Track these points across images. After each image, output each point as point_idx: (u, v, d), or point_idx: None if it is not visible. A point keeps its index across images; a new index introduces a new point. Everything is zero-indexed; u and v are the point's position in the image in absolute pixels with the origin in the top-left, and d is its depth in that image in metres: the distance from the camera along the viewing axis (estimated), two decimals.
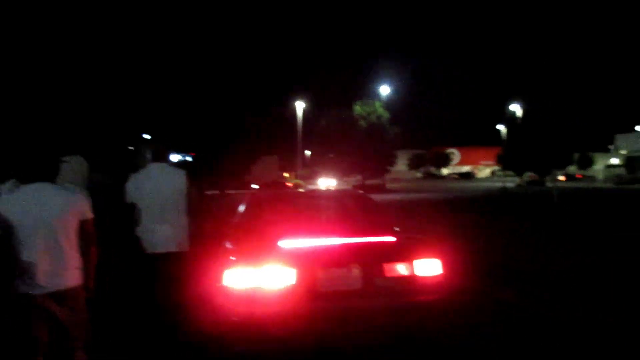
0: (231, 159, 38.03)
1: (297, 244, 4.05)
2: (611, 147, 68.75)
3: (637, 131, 62.10)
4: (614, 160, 67.82)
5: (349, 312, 3.77)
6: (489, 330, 4.84)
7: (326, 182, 46.86)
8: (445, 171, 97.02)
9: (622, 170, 57.48)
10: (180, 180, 4.47)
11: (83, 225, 3.15)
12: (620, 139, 59.90)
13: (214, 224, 5.80)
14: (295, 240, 4.07)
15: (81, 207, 3.16)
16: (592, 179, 65.42)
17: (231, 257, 3.97)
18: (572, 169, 66.38)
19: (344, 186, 41.79)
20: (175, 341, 4.11)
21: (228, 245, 4.37)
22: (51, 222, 3.00)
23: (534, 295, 6.17)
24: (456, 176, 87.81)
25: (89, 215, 3.20)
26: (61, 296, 3.02)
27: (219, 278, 3.83)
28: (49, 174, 3.16)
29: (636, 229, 12.71)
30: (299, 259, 3.85)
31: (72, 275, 3.08)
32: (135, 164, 4.92)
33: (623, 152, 59.95)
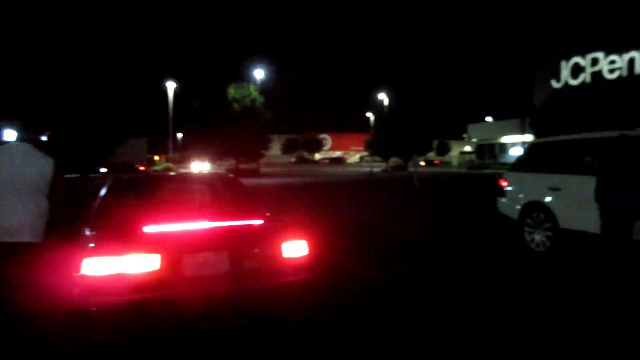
0: (94, 139, 35.43)
1: (162, 229, 3.94)
2: (465, 135, 75.82)
3: (486, 121, 69.11)
4: (467, 148, 74.89)
5: (216, 296, 3.78)
6: (352, 308, 5.12)
7: (200, 166, 45.73)
8: (317, 156, 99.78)
9: (473, 157, 63.73)
10: (46, 166, 4.11)
11: None
12: (472, 128, 66.09)
13: (74, 209, 5.41)
14: (160, 226, 3.95)
15: None
16: (448, 164, 71.62)
17: (91, 244, 3.75)
18: (431, 155, 72.18)
19: (218, 170, 41.11)
20: (22, 334, 3.79)
21: (88, 232, 4.12)
22: None
23: (399, 273, 6.65)
24: (328, 161, 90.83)
25: None
26: None
27: (77, 267, 3.61)
28: None
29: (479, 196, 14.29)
30: (163, 244, 3.76)
31: None
32: None
33: (474, 140, 66.34)
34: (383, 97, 66.33)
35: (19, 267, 3.85)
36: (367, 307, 5.12)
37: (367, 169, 46.74)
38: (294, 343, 4.13)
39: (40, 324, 3.84)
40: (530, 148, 9.13)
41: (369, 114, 74.84)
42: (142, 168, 35.68)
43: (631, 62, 29.45)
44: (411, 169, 38.61)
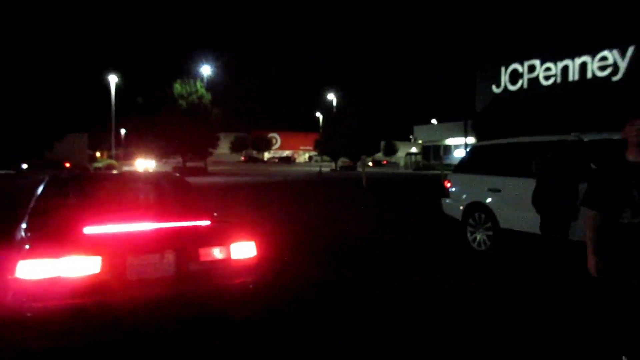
0: (30, 134, 33.72)
1: (103, 229, 3.79)
2: (411, 137, 77.46)
3: (431, 123, 70.93)
4: (413, 149, 76.54)
5: (161, 299, 3.68)
6: (302, 308, 5.12)
7: (144, 164, 44.45)
8: (266, 155, 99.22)
9: (419, 158, 65.20)
10: None
11: None
12: (418, 130, 67.59)
13: (7, 208, 5.12)
14: (102, 226, 3.80)
15: None
16: (395, 164, 72.94)
17: (26, 246, 3.55)
18: (379, 155, 73.29)
19: (164, 168, 40.09)
20: None
21: (23, 232, 3.91)
22: None
23: (344, 272, 6.71)
24: (277, 160, 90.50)
25: None
26: None
27: (12, 270, 3.41)
28: None
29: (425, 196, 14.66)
30: (105, 245, 3.62)
31: None
32: None
33: (420, 141, 67.91)
34: (332, 96, 66.83)
35: None
36: (336, 309, 5.12)
37: (316, 169, 46.90)
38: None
39: None
40: (472, 150, 9.44)
41: (318, 114, 75.18)
42: (67, 165, 34.09)
43: (565, 69, 31.00)
44: (360, 169, 39.08)
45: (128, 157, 50.30)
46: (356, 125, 53.73)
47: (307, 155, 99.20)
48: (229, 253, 4.04)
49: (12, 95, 31.52)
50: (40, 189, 4.69)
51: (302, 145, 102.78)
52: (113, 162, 45.78)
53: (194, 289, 3.84)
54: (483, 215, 8.04)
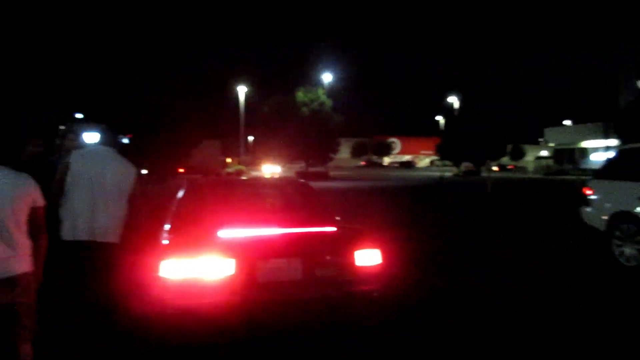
0: (172, 142, 36.94)
1: (236, 234, 3.97)
2: (541, 140, 72.38)
3: (564, 125, 65.70)
4: (544, 153, 71.50)
5: (288, 303, 3.75)
6: (424, 318, 4.97)
7: (271, 169, 46.57)
8: (386, 160, 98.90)
9: (550, 162, 60.70)
10: (129, 170, 4.20)
11: (33, 213, 2.97)
12: (549, 132, 63.08)
13: (151, 211, 5.60)
14: (234, 230, 3.99)
15: (32, 193, 2.98)
16: (523, 169, 68.65)
17: (168, 247, 3.83)
18: (505, 159, 69.48)
19: (288, 173, 41.70)
20: (112, 331, 3.92)
21: (165, 234, 4.23)
22: (2, 207, 2.81)
23: (468, 283, 6.39)
24: (397, 165, 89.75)
25: (40, 202, 3.02)
26: (13, 282, 2.85)
27: (154, 269, 3.70)
28: (5, 158, 2.97)
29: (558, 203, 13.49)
30: (238, 249, 3.78)
31: (23, 261, 2.91)
32: (60, 145, 4.51)
33: (551, 144, 63.24)
34: (453, 100, 64.70)
35: (107, 265, 3.96)
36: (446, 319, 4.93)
37: (437, 174, 45.68)
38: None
39: (124, 320, 3.96)
40: (619, 154, 8.49)
41: (439, 117, 73.26)
42: (181, 170, 36.49)
43: None
44: (485, 174, 37.32)
45: (255, 162, 53.10)
46: (479, 128, 51.46)
47: (428, 160, 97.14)
48: (354, 260, 4.02)
49: (159, 105, 34.79)
50: (180, 193, 5.05)
51: (422, 149, 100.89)
52: (242, 167, 48.59)
53: (320, 295, 3.87)
54: (633, 227, 7.18)
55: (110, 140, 4.36)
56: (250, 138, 69.26)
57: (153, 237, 4.40)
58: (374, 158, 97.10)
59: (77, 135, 4.10)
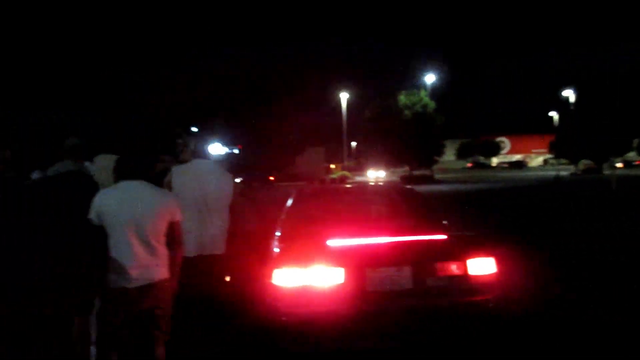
0: (277, 151, 38.29)
1: (345, 242, 3.99)
2: None
3: None
4: None
5: (401, 312, 3.69)
6: (543, 330, 4.65)
7: (375, 174, 46.53)
8: (494, 160, 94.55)
9: None
10: (227, 181, 4.32)
11: (172, 226, 3.24)
12: None
13: (259, 219, 5.81)
14: (343, 239, 4.01)
15: (172, 208, 3.25)
16: None
17: (280, 256, 3.95)
18: (631, 155, 63.24)
19: (392, 177, 41.39)
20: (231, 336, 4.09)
21: (276, 243, 4.36)
22: (143, 219, 3.10)
23: (590, 293, 5.88)
24: (506, 165, 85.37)
25: (178, 217, 3.28)
26: (151, 289, 3.12)
27: (268, 277, 3.83)
28: (146, 173, 3.26)
29: None
30: (347, 257, 3.80)
31: (162, 269, 3.19)
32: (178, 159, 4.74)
33: None
34: (569, 93, 60.23)
35: (217, 277, 4.14)
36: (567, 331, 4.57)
37: (552, 173, 42.76)
38: None
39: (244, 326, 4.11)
40: None
41: (553, 113, 68.54)
42: (271, 178, 37.22)
43: None
44: (607, 171, 34.28)
45: (359, 168, 53.40)
46: (600, 122, 47.41)
47: (540, 159, 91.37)
48: (466, 269, 3.86)
49: (263, 119, 36.26)
50: (289, 201, 5.19)
51: (534, 148, 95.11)
52: (346, 173, 49.08)
53: (431, 305, 3.76)
54: None
55: (205, 153, 4.51)
56: (354, 143, 69.78)
57: (264, 246, 4.56)
58: (481, 159, 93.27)
59: (192, 148, 4.29)
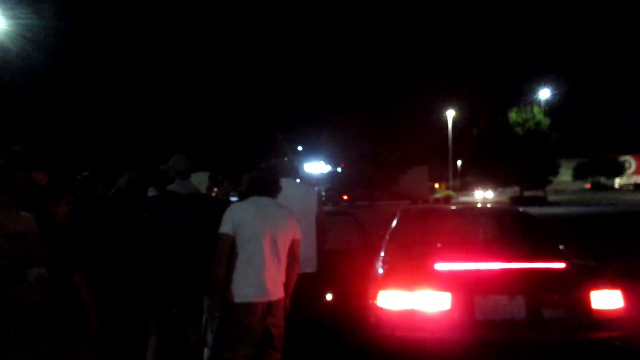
0: (380, 169, 38.21)
1: (454, 266, 3.84)
2: None
3: None
4: None
5: (512, 345, 3.47)
6: None
7: (482, 194, 44.68)
8: (617, 181, 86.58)
9: None
10: (313, 196, 4.20)
11: (293, 244, 3.37)
12: None
13: (362, 238, 5.78)
14: (451, 263, 3.87)
15: (296, 226, 3.40)
16: None
17: (386, 278, 3.90)
18: None
19: (500, 198, 39.45)
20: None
21: (381, 264, 4.31)
22: (277, 233, 3.26)
23: None
24: (631, 187, 77.72)
25: (299, 235, 3.42)
26: (275, 306, 3.24)
27: (372, 298, 3.79)
28: (274, 191, 3.45)
29: None
30: (455, 283, 3.65)
31: (281, 287, 3.31)
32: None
33: None
34: None
35: (306, 297, 4.05)
36: None
37: None
38: None
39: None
40: None
41: None
42: (345, 197, 36.87)
43: None
44: None
45: (465, 187, 51.57)
46: None
47: None
48: (589, 301, 3.54)
49: (365, 136, 36.50)
50: (394, 222, 5.12)
51: None
52: (451, 193, 47.63)
53: (547, 339, 3.49)
54: None
55: (322, 170, 4.53)
56: (459, 162, 67.65)
57: (368, 266, 4.53)
58: (602, 179, 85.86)
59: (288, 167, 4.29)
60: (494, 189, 46.14)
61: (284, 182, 4.22)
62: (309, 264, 4.02)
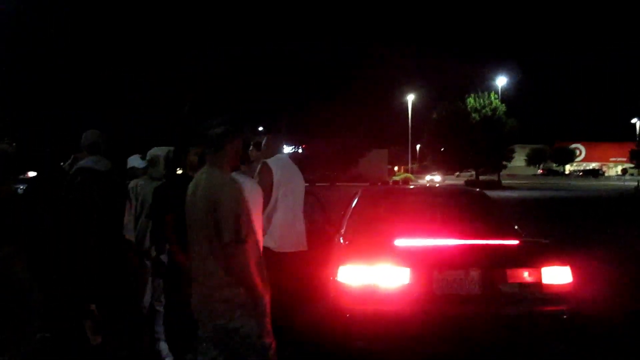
0: (341, 151, 38.35)
1: (413, 243, 3.91)
2: None
3: None
4: None
5: (468, 318, 3.57)
6: (621, 348, 4.35)
7: (431, 178, 45.67)
8: (568, 168, 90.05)
9: None
10: (301, 177, 4.31)
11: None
12: None
13: (324, 218, 5.81)
14: (410, 240, 3.93)
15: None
16: None
17: (346, 253, 3.93)
18: None
19: (456, 182, 40.39)
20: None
21: (342, 240, 4.35)
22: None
23: None
24: (581, 173, 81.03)
25: None
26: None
27: (332, 274, 3.82)
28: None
29: None
30: (414, 258, 3.72)
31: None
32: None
33: None
34: None
35: (297, 272, 3.99)
36: None
37: (632, 184, 40.16)
38: None
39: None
40: None
41: (635, 120, 64.34)
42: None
43: None
44: None
45: (423, 171, 52.49)
46: None
47: (619, 168, 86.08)
48: (540, 277, 3.68)
49: (327, 118, 36.48)
50: (355, 201, 5.15)
51: (612, 156, 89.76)
52: (410, 175, 48.41)
53: (502, 312, 3.62)
54: None
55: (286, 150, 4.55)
56: (418, 146, 68.68)
57: (330, 241, 4.55)
58: (554, 166, 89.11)
59: (271, 145, 4.27)
60: (452, 172, 47.16)
61: (285, 158, 4.30)
62: (303, 242, 4.10)
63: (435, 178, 46.29)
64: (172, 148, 4.15)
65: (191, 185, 2.66)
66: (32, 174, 4.83)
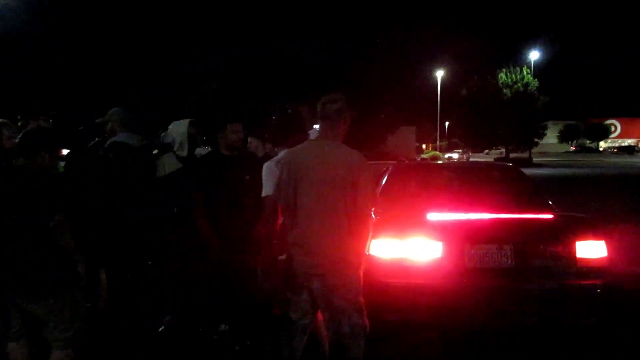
0: (369, 128, 38.10)
1: (445, 217, 3.93)
2: None
3: None
4: None
5: (500, 291, 3.60)
6: None
7: (449, 156, 45.17)
8: (602, 145, 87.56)
9: None
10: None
11: None
12: None
13: None
14: (442, 214, 3.95)
15: None
16: None
17: (378, 227, 3.97)
18: None
19: (486, 159, 39.72)
20: None
21: (373, 215, 4.38)
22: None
23: None
24: (615, 150, 78.65)
25: None
26: None
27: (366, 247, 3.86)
28: None
29: None
30: (446, 232, 3.74)
31: None
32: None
33: None
34: None
35: None
36: None
37: None
38: None
39: None
40: None
41: None
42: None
43: None
44: None
45: (452, 148, 51.85)
46: None
47: None
48: (574, 251, 3.67)
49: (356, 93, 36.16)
50: (386, 176, 5.17)
51: None
52: (438, 153, 47.84)
53: (534, 286, 3.63)
54: None
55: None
56: (447, 123, 67.68)
57: None
58: (587, 142, 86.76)
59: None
60: (479, 150, 46.43)
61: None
62: None
63: (453, 156, 45.73)
64: (190, 120, 4.12)
65: (310, 153, 2.94)
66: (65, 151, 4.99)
